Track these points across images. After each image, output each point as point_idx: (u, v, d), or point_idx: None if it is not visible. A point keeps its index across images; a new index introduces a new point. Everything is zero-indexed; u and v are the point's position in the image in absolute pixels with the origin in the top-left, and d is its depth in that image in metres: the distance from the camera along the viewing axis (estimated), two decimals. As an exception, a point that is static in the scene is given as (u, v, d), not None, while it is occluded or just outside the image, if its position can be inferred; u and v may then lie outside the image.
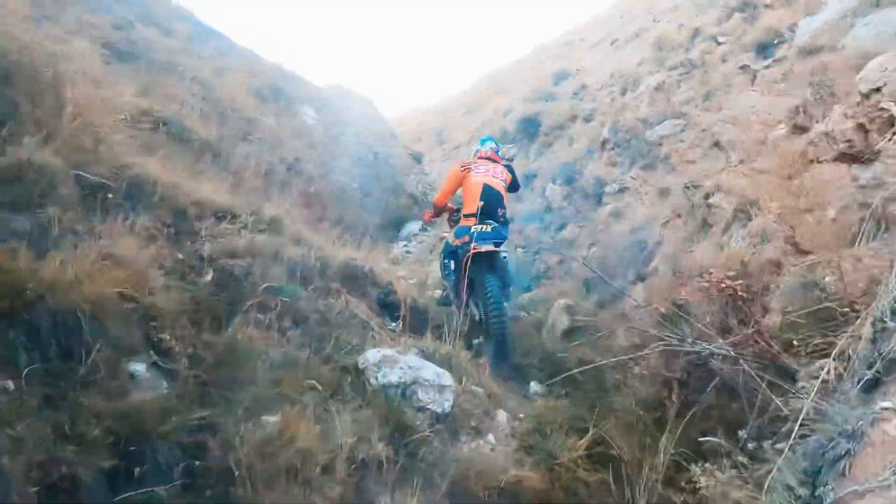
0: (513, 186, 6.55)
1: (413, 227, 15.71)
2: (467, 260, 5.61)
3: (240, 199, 5.11)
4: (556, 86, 14.82)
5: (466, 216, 5.91)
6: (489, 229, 5.76)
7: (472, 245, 5.60)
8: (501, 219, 5.94)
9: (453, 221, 6.45)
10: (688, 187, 6.95)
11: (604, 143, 10.68)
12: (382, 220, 16.97)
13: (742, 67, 8.98)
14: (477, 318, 5.71)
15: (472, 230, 5.74)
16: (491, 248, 5.69)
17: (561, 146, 12.28)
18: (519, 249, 9.83)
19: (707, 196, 6.39)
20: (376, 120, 24.57)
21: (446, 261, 6.12)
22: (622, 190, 9.21)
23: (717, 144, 8.40)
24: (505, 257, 6.12)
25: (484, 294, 5.50)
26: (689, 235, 6.16)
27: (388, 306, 5.40)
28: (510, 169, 6.66)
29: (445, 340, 4.54)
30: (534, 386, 5.17)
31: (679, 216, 6.86)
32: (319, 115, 20.77)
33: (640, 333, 4.49)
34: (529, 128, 13.69)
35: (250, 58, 20.84)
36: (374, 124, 23.87)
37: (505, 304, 5.53)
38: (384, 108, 26.65)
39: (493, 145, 6.74)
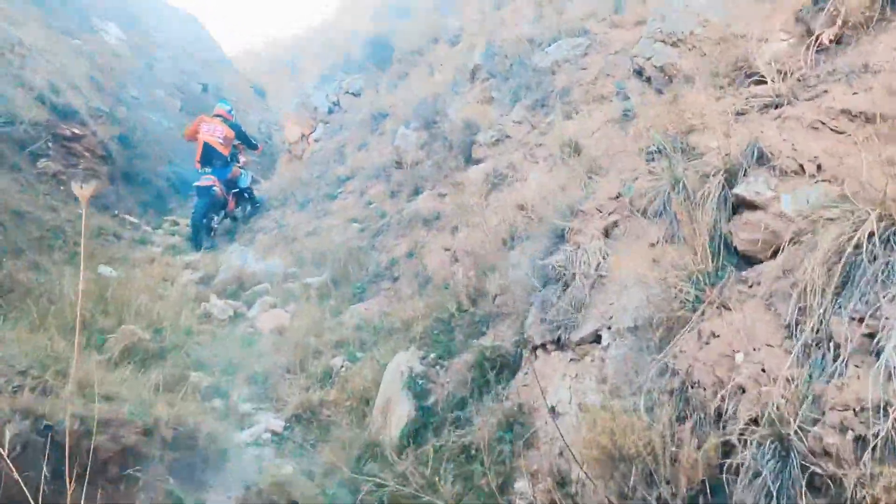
0: (245, 143, 8.78)
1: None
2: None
3: None
4: None
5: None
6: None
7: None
8: (218, 163, 8.13)
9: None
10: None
11: (474, 71, 7.40)
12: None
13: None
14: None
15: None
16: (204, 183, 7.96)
17: (418, 77, 8.88)
18: (354, 224, 6.48)
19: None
20: (207, 45, 19.78)
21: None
22: (500, 140, 6.02)
23: (639, 73, 5.38)
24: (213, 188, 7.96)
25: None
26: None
27: None
28: (236, 128, 8.53)
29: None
30: None
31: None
32: (127, 35, 15.95)
33: None
34: (379, 53, 10.13)
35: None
36: (203, 50, 19.13)
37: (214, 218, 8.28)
38: (226, 41, 21.89)
39: (224, 107, 8.85)
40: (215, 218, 8.25)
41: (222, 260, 6.40)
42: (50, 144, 8.52)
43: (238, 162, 8.63)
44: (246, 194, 8.64)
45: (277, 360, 4.26)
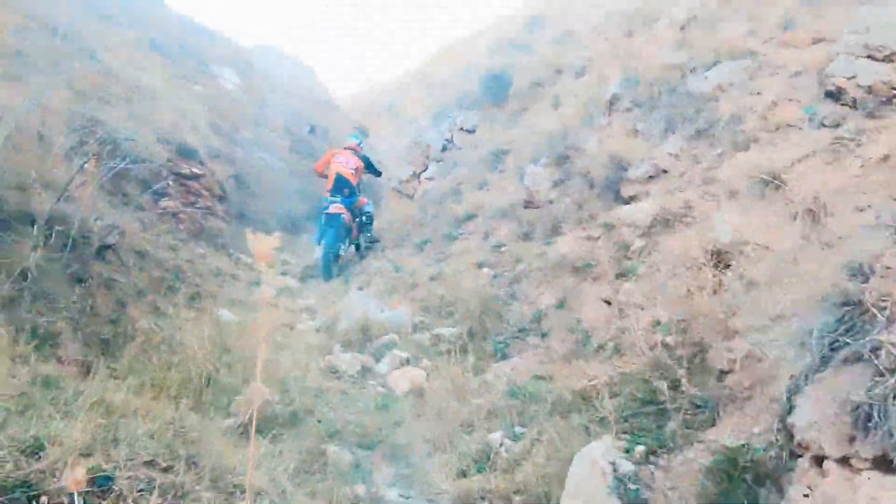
0: (372, 171, 9.03)
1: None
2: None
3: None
4: (531, 33, 10.71)
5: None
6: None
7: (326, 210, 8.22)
8: (347, 192, 8.32)
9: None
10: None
11: (611, 102, 6.69)
12: (311, 207, 12.78)
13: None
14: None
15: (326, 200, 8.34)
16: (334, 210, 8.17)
17: (542, 110, 8.27)
18: (484, 270, 5.83)
19: None
20: (315, 88, 20.16)
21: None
22: (656, 175, 5.24)
23: (834, 95, 4.51)
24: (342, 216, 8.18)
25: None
26: None
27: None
28: (365, 159, 8.85)
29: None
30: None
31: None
32: (242, 80, 16.41)
33: None
34: (496, 88, 9.63)
35: (152, 7, 16.43)
36: (311, 92, 19.48)
37: (340, 246, 8.43)
38: (335, 86, 22.38)
39: (355, 141, 9.01)
40: (342, 246, 8.40)
41: (342, 306, 5.90)
42: (170, 183, 8.48)
43: (363, 193, 8.83)
44: (366, 219, 8.74)
45: (419, 430, 3.61)
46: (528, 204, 6.45)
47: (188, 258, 6.94)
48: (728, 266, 3.38)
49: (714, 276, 3.25)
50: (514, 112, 9.16)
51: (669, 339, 3.06)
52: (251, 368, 3.96)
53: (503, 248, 6.12)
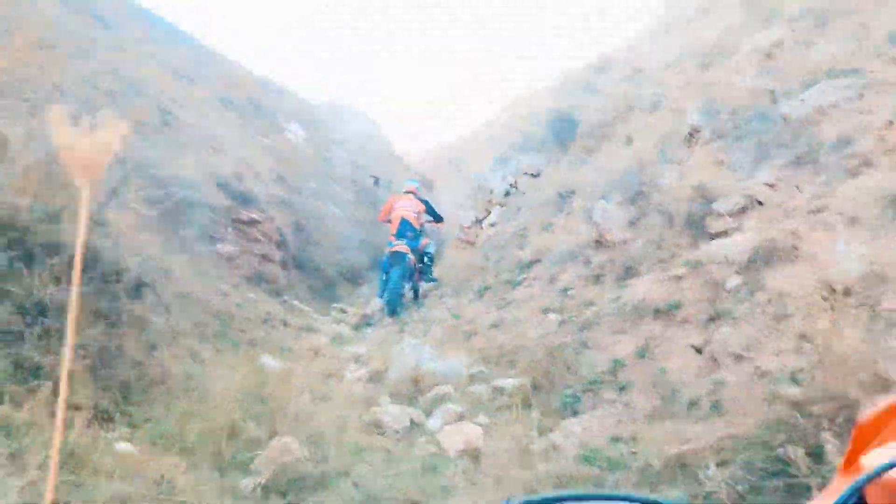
0: (432, 216, 9.13)
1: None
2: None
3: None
4: (597, 75, 10.26)
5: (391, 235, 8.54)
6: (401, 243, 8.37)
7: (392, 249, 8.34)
8: (411, 234, 8.48)
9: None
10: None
11: (691, 134, 6.07)
12: (372, 257, 12.52)
13: None
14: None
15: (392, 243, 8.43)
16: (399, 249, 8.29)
17: (613, 149, 7.70)
18: (550, 316, 5.19)
19: None
20: (379, 141, 20.31)
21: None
22: (748, 207, 4.55)
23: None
24: (407, 256, 8.30)
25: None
26: None
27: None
28: (426, 203, 9.07)
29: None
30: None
31: None
32: (308, 133, 16.65)
33: None
34: (562, 129, 9.16)
35: (228, 67, 17.01)
36: (375, 145, 19.60)
37: (404, 285, 8.44)
38: (400, 140, 22.54)
39: (413, 185, 9.30)
40: (406, 285, 8.46)
41: (394, 354, 5.37)
42: (229, 229, 8.33)
43: (426, 236, 9.00)
44: (428, 260, 8.86)
45: (472, 498, 2.97)
46: (599, 244, 5.82)
47: (238, 302, 6.63)
48: (862, 304, 2.66)
49: (854, 314, 2.54)
50: (582, 153, 8.62)
51: (795, 393, 2.36)
52: (284, 420, 3.46)
53: (571, 293, 5.48)
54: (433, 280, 8.79)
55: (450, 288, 7.92)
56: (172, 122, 9.63)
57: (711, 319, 3.60)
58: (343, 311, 9.31)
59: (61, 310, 3.37)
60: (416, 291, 8.79)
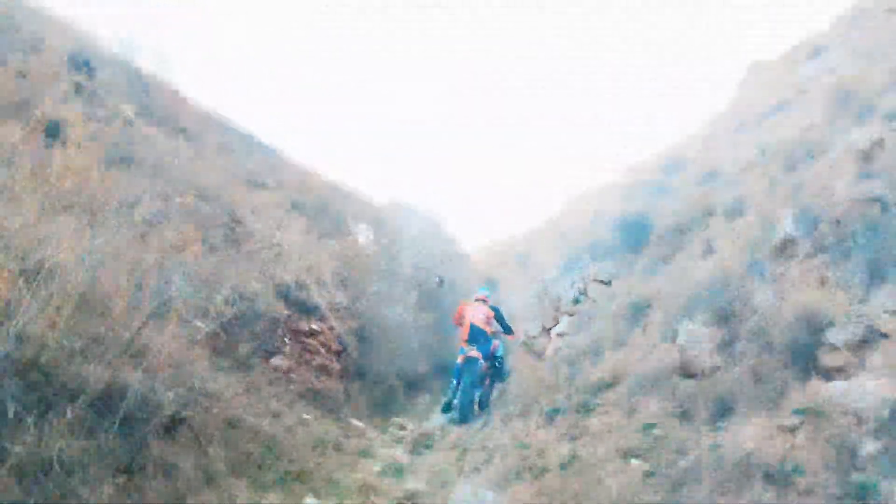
0: (502, 326, 9.27)
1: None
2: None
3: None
4: (668, 175, 9.74)
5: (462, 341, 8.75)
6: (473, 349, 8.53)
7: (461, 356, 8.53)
8: (482, 339, 8.64)
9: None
10: None
11: (784, 246, 5.39)
12: (436, 362, 11.96)
13: None
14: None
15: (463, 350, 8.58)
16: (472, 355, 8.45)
17: (691, 257, 7.04)
18: (633, 462, 4.45)
19: None
20: (444, 240, 20.14)
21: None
22: (869, 340, 3.80)
23: None
24: (479, 361, 8.47)
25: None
26: None
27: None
28: (496, 310, 9.22)
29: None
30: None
31: None
32: (375, 235, 16.66)
33: None
34: (632, 233, 8.59)
35: (300, 172, 17.49)
36: (440, 245, 19.43)
37: (476, 392, 8.45)
38: (465, 237, 22.39)
39: (484, 293, 9.75)
40: (477, 392, 8.46)
41: (451, 498, 4.70)
42: (286, 340, 8.02)
43: (496, 339, 9.08)
44: (498, 364, 8.96)
45: None
46: (685, 371, 5.09)
47: (289, 425, 6.16)
48: None
49: None
50: (656, 260, 7.98)
51: None
52: None
53: (654, 431, 4.72)
54: (505, 377, 8.87)
55: (515, 406, 7.22)
56: (239, 230, 9.65)
57: (845, 496, 2.83)
58: (402, 427, 8.69)
59: (73, 465, 2.99)
60: (483, 401, 8.64)
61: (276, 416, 6.17)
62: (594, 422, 5.67)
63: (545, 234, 21.85)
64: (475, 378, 8.38)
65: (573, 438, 5.61)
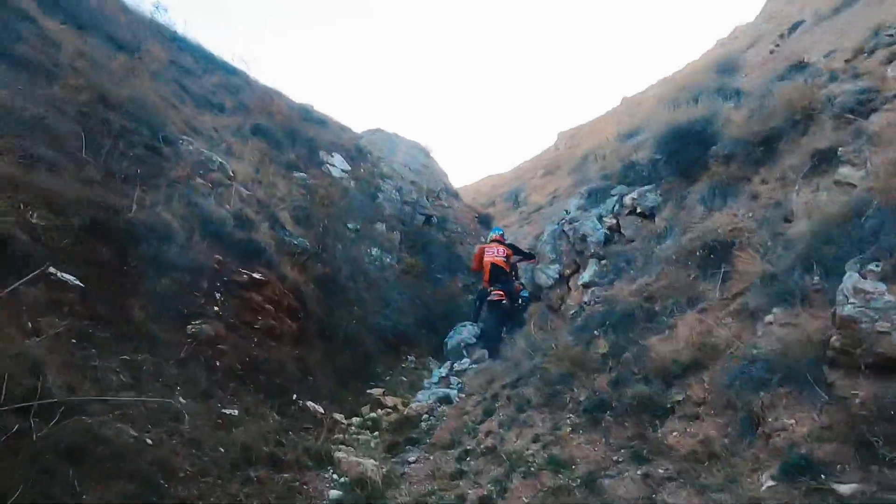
0: (522, 256, 9.13)
1: (468, 331, 8.40)
2: (482, 303, 8.73)
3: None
4: (727, 75, 7.29)
5: (483, 282, 8.80)
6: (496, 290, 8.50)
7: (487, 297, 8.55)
8: (503, 278, 8.56)
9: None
10: None
11: None
12: (423, 316, 9.72)
13: None
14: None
15: (488, 290, 8.59)
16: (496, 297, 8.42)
17: (775, 179, 4.73)
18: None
19: None
20: (433, 174, 17.62)
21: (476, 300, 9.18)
22: None
23: None
24: (503, 302, 8.39)
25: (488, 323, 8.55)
26: None
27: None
28: (512, 246, 9.24)
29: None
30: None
31: None
32: (352, 166, 14.19)
33: None
34: (683, 153, 6.21)
35: (267, 95, 14.88)
36: (429, 179, 16.94)
37: (503, 329, 8.09)
38: (454, 172, 19.94)
39: (499, 233, 9.40)
40: (504, 329, 8.18)
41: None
42: (217, 296, 5.72)
43: (519, 278, 8.97)
44: (522, 303, 8.56)
45: None
46: (847, 353, 2.85)
47: (196, 438, 3.91)
48: None
49: None
50: (722, 184, 5.65)
51: None
52: None
53: (808, 477, 2.51)
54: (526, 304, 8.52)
55: (534, 393, 5.00)
56: (167, 151, 7.16)
57: None
58: (381, 403, 6.51)
59: None
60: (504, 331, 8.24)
61: (176, 419, 3.91)
62: (675, 433, 3.46)
63: (534, 173, 19.60)
64: (500, 320, 8.30)
65: (641, 460, 3.41)
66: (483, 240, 14.72)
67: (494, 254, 8.82)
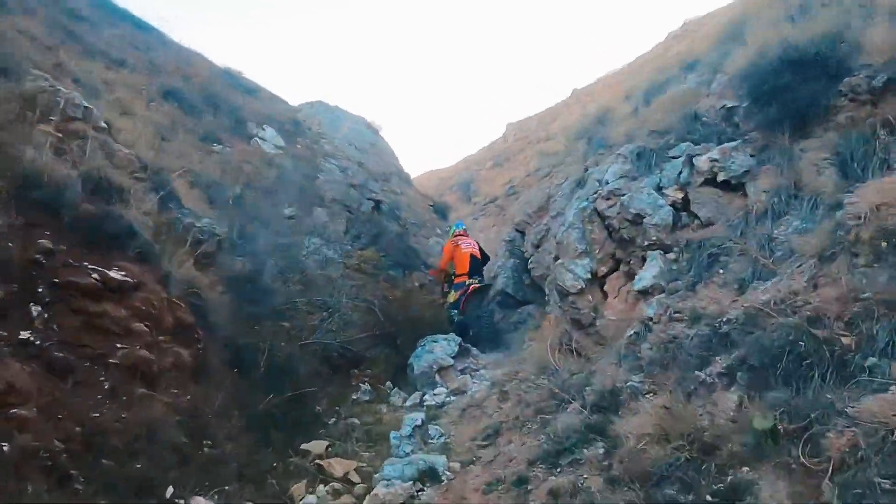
0: (484, 257, 8.83)
1: (441, 349, 5.95)
2: (467, 293, 8.10)
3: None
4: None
5: (460, 275, 8.27)
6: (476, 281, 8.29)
7: (471, 286, 8.14)
8: (481, 268, 8.54)
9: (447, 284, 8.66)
10: None
11: None
12: (379, 327, 7.16)
13: None
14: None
15: (467, 282, 8.17)
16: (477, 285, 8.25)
17: None
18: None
19: None
20: (381, 153, 15.12)
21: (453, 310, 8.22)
22: None
23: None
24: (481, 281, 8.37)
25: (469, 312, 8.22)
26: None
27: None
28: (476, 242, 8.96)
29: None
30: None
31: None
32: (288, 142, 11.53)
33: None
34: (788, 92, 4.03)
35: (187, 57, 12.27)
36: (375, 159, 14.44)
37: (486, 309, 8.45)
38: (406, 157, 17.74)
39: (462, 228, 9.18)
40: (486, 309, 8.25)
41: None
42: (37, 310, 3.14)
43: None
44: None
45: None
46: None
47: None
48: None
49: None
50: (867, 136, 3.52)
51: None
52: None
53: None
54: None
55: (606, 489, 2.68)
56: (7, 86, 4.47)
57: None
58: (324, 472, 4.07)
59: None
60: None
61: None
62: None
63: (483, 164, 18.32)
64: (480, 304, 8.39)
65: None
66: (440, 232, 12.46)
67: (470, 245, 8.61)
